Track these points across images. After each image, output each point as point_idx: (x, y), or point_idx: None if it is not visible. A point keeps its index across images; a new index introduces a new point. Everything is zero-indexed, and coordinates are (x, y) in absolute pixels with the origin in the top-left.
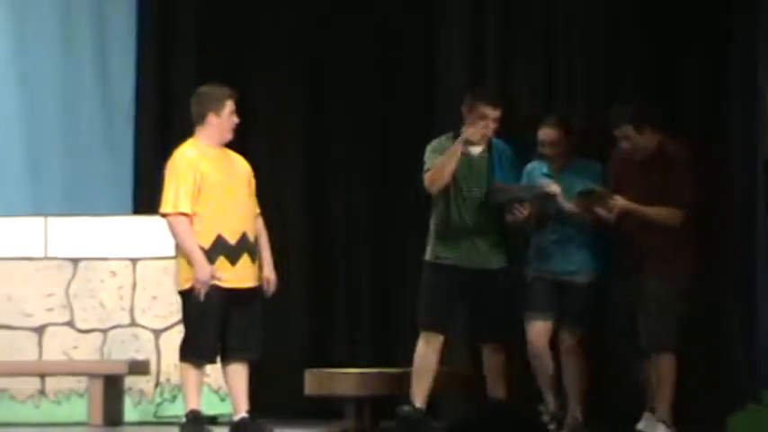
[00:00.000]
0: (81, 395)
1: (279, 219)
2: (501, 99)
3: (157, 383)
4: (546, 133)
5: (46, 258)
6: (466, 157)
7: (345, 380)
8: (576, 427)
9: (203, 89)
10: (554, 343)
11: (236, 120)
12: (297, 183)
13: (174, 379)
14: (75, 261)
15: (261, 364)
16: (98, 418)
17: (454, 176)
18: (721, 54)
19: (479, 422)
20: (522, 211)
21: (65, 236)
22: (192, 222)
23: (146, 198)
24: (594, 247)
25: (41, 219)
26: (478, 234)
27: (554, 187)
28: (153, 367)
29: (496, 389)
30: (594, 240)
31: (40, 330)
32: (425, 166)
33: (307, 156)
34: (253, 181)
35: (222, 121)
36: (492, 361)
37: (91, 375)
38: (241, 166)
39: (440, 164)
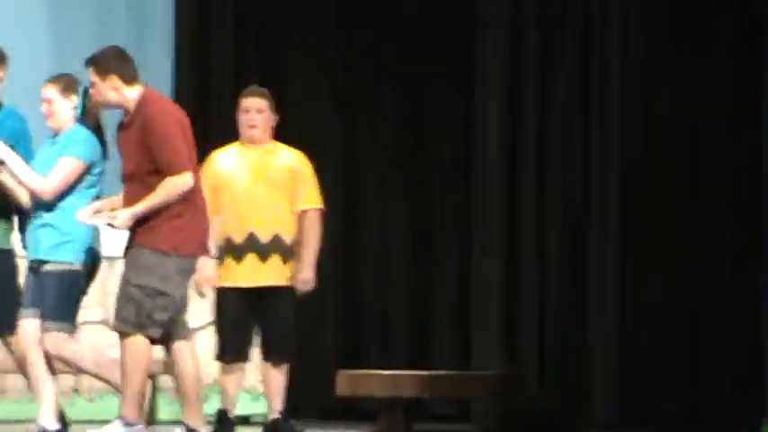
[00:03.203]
0: (115, 393)
1: None
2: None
3: None
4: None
5: None
6: None
7: (377, 381)
8: None
9: None
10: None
11: (248, 117)
12: (330, 178)
13: (206, 378)
14: (111, 260)
15: (294, 364)
16: None
17: None
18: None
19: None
20: None
21: (101, 235)
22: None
23: None
24: (71, 229)
25: None
26: None
27: None
28: None
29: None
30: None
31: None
32: None
33: (340, 154)
34: (300, 176)
35: (240, 118)
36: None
37: None
38: (280, 164)
39: None
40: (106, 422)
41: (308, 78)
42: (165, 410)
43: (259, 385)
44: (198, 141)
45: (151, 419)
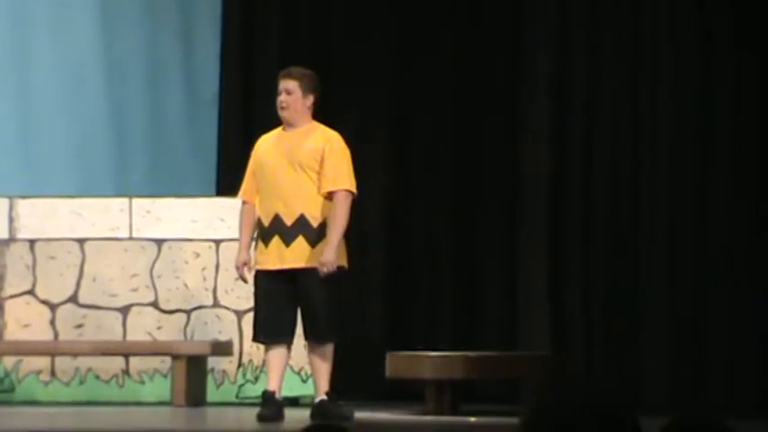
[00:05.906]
0: (164, 375)
1: (359, 200)
2: None
3: (240, 364)
4: None
5: (130, 239)
6: None
7: (426, 363)
8: None
9: None
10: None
11: (278, 100)
12: (378, 161)
13: (256, 360)
14: (160, 242)
15: (340, 346)
16: (181, 398)
17: None
18: None
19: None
20: None
21: (149, 217)
22: (252, 207)
23: (229, 180)
24: None
25: (126, 200)
26: None
27: None
28: (235, 348)
29: None
30: None
31: (124, 311)
32: None
33: (391, 138)
34: (327, 156)
35: None
36: None
37: (174, 356)
38: (309, 145)
39: None
40: (155, 404)
41: (357, 64)
42: (212, 393)
43: (308, 367)
44: (245, 132)
45: (201, 401)
